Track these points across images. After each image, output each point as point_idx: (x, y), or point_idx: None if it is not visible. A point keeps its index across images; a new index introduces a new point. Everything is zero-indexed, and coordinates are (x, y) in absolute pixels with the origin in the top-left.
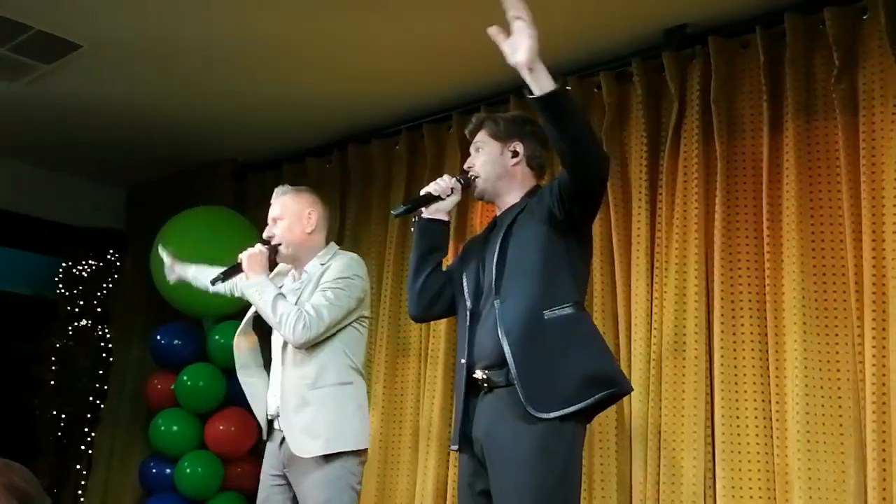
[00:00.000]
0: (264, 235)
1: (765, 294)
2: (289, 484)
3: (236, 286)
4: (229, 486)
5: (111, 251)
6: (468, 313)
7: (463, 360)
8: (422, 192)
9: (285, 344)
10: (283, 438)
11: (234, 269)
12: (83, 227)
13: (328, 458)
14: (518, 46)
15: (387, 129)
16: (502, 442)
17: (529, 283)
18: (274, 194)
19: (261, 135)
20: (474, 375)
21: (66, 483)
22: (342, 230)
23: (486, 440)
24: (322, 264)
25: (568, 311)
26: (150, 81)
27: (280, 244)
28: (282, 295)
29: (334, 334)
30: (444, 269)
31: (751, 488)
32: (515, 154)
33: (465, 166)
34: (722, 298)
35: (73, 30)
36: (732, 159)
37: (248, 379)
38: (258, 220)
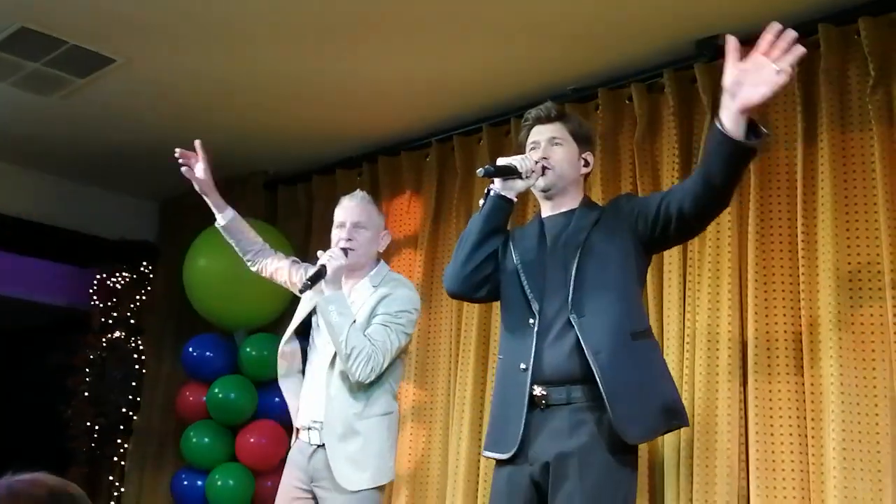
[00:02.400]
0: (345, 237)
1: (799, 309)
2: (313, 498)
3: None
4: (260, 498)
5: (144, 263)
6: (537, 317)
7: (524, 366)
8: (505, 161)
9: (333, 364)
10: (313, 453)
11: (319, 276)
12: (117, 240)
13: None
14: (752, 87)
15: (417, 141)
16: (569, 467)
17: (611, 301)
18: (356, 199)
19: (291, 147)
20: (533, 391)
21: (98, 494)
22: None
23: (553, 463)
24: (374, 286)
25: (645, 334)
26: (181, 95)
27: (353, 249)
28: (355, 322)
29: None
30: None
31: (783, 469)
32: (587, 164)
33: (541, 156)
34: (756, 313)
35: (106, 44)
36: (766, 171)
37: (290, 384)
38: (289, 232)
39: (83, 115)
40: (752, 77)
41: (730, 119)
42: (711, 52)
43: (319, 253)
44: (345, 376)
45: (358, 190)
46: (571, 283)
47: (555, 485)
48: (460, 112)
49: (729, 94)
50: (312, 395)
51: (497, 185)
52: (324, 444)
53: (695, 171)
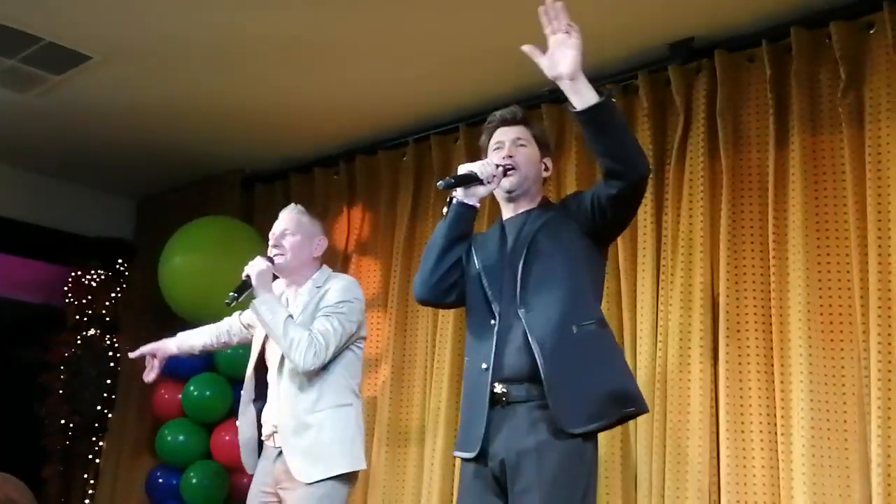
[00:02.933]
0: (271, 244)
1: (770, 308)
2: (279, 501)
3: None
4: (235, 496)
5: (120, 261)
6: (497, 318)
7: (485, 366)
8: (465, 170)
9: (281, 366)
10: (277, 457)
11: (245, 286)
12: (92, 237)
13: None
14: (560, 59)
15: (394, 140)
16: (527, 463)
17: (557, 295)
18: (286, 210)
19: (269, 146)
20: (494, 389)
21: (73, 492)
22: (348, 241)
23: (510, 460)
24: (318, 287)
25: (593, 325)
26: (159, 93)
27: (281, 255)
28: (291, 317)
29: (333, 358)
30: None
31: (753, 465)
32: (546, 168)
33: (507, 155)
34: (727, 312)
35: (83, 41)
36: (738, 173)
37: (244, 412)
38: (266, 230)
39: (59, 112)
40: (559, 53)
41: (572, 95)
42: (685, 55)
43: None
44: (293, 375)
45: (292, 204)
46: (518, 281)
47: (512, 481)
48: (437, 112)
49: (556, 79)
50: (271, 402)
51: (459, 193)
52: (281, 446)
53: None
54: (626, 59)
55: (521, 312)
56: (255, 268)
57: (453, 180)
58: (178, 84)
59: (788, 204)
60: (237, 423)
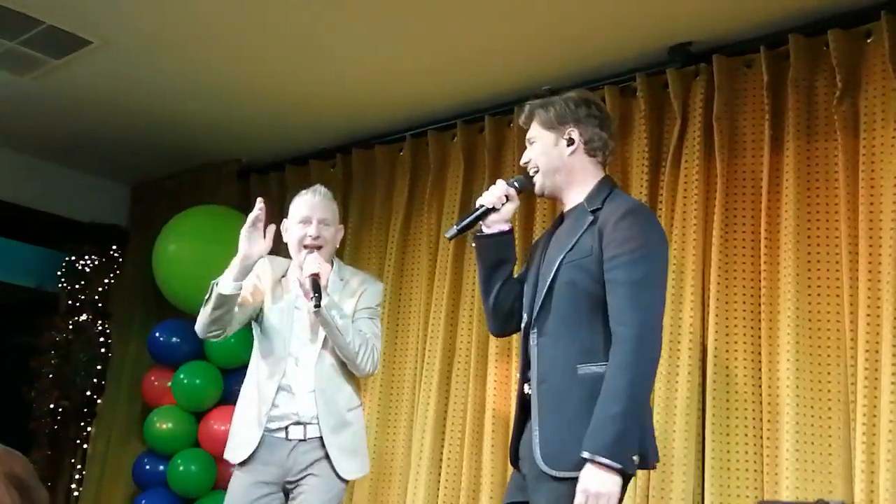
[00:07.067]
0: (313, 234)
1: (759, 313)
2: (283, 492)
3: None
4: (222, 485)
5: (114, 247)
6: (523, 327)
7: (519, 374)
8: (476, 206)
9: (320, 362)
10: (293, 448)
11: (319, 285)
12: (87, 223)
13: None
14: None
15: (391, 135)
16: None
17: (571, 328)
18: (319, 196)
19: (266, 136)
20: (524, 390)
21: (59, 476)
22: (343, 235)
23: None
24: (342, 280)
25: (604, 369)
26: (157, 80)
27: (321, 246)
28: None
29: None
30: (515, 277)
31: (738, 468)
32: (571, 142)
33: (522, 161)
34: (717, 315)
35: (83, 25)
36: (732, 178)
37: (248, 408)
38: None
39: (57, 96)
40: None
41: None
42: (683, 59)
43: (304, 262)
44: (334, 371)
45: (318, 185)
46: (541, 298)
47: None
48: (435, 108)
49: None
50: (293, 393)
51: (482, 225)
52: (306, 439)
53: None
54: (624, 60)
55: (533, 334)
56: (322, 267)
57: (457, 228)
58: (177, 72)
59: (781, 210)
60: (235, 410)
